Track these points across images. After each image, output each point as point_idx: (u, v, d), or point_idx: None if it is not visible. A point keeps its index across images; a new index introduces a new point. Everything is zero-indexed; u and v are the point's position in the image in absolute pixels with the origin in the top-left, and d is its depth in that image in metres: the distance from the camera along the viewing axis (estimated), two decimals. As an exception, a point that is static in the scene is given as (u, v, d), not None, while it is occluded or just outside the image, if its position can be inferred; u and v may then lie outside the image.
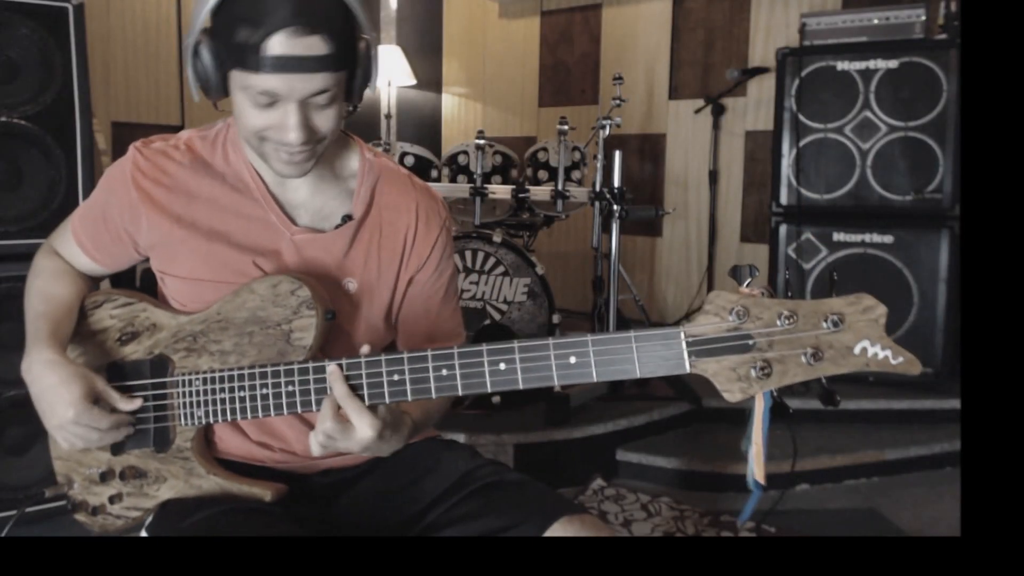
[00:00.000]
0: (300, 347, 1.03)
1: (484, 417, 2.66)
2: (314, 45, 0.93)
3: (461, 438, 2.46)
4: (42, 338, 1.07)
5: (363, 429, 0.93)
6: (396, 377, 0.94)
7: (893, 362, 0.79)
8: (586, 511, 1.05)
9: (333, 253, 1.12)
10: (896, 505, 2.48)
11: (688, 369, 0.83)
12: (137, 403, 1.07)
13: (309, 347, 1.03)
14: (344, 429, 0.93)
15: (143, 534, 1.11)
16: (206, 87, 1.01)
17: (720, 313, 0.82)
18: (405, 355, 0.94)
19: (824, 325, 0.80)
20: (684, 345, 0.83)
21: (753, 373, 0.81)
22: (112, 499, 1.10)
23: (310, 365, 0.99)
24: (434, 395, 0.93)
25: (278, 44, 0.92)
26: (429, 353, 0.93)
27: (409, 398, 0.94)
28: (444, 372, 0.92)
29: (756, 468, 0.88)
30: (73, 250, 1.20)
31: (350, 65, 1.00)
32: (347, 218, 1.13)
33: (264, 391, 1.02)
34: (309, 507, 1.12)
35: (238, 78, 0.97)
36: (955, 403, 2.89)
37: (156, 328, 1.10)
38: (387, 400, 0.95)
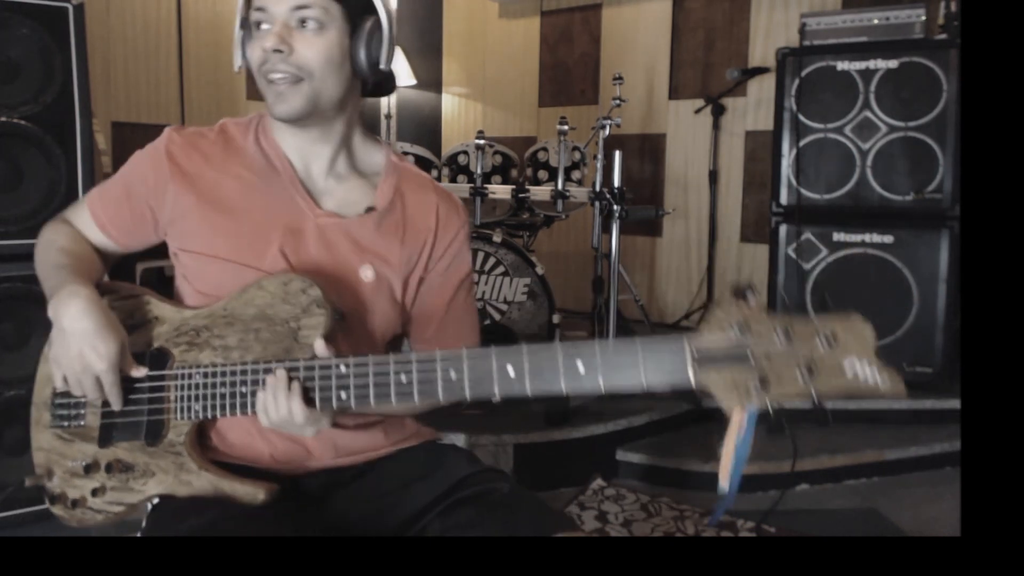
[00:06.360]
0: (307, 345, 1.03)
1: (484, 417, 2.65)
2: None
3: (461, 438, 2.46)
4: (70, 278, 1.07)
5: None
6: (404, 379, 0.96)
7: (881, 386, 0.83)
8: (579, 528, 1.04)
9: (354, 239, 1.13)
10: (896, 505, 2.48)
11: (692, 383, 0.87)
12: (144, 371, 1.07)
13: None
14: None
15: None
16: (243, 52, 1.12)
17: (722, 327, 0.86)
18: (413, 356, 0.96)
19: (818, 343, 0.84)
20: (689, 359, 0.87)
21: (751, 386, 0.85)
22: (94, 492, 1.08)
23: (316, 363, 1.00)
24: (441, 398, 0.95)
25: None
26: (438, 355, 0.95)
27: (416, 400, 0.96)
28: (452, 375, 0.94)
29: (721, 473, 0.92)
30: (87, 224, 1.20)
31: (348, 4, 1.07)
32: (370, 209, 1.16)
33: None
34: (301, 508, 1.10)
35: (253, 17, 1.08)
36: (955, 403, 2.89)
37: (158, 321, 1.10)
38: (393, 401, 0.97)
